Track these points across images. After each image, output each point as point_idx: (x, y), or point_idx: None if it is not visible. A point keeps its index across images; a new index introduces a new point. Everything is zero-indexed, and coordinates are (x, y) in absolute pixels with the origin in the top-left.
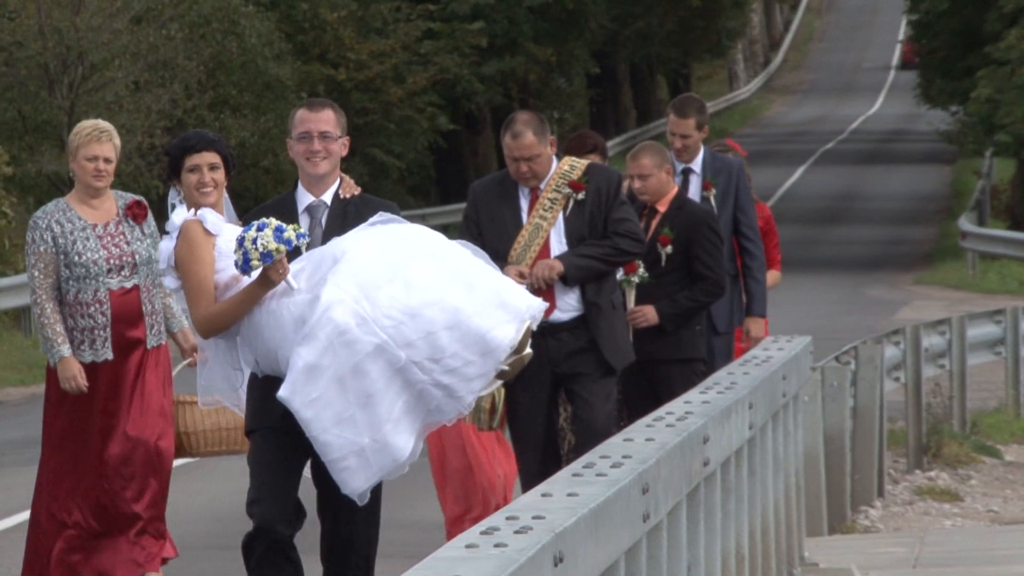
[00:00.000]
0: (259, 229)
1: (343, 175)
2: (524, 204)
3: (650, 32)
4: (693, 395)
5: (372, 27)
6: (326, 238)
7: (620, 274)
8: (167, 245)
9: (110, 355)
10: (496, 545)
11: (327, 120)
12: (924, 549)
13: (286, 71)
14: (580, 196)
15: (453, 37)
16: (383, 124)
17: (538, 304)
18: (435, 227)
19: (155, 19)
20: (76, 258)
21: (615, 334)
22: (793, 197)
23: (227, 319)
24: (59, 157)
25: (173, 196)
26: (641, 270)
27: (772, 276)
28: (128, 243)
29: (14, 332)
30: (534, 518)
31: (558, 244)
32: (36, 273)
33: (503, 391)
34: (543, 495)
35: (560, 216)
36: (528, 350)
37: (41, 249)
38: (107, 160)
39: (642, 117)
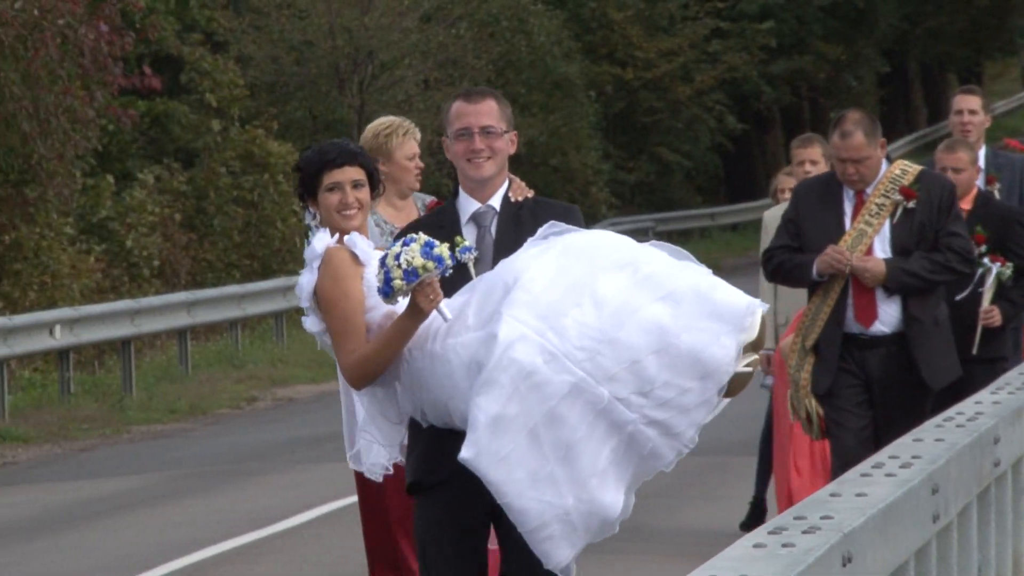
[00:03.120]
0: (405, 244)
1: (512, 176)
2: (848, 208)
3: (940, 31)
4: (984, 395)
5: (659, 26)
6: (498, 249)
7: (991, 267)
8: (308, 279)
9: None
10: (784, 545)
11: (489, 112)
12: None
13: (574, 70)
14: (911, 204)
15: (742, 36)
16: (670, 123)
17: (759, 304)
18: (724, 227)
19: (444, 18)
20: None
21: (936, 352)
22: None
23: (377, 363)
24: None
25: (309, 219)
26: (1008, 267)
27: None
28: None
29: (304, 331)
30: (822, 518)
31: (881, 253)
32: None
33: (814, 401)
34: (832, 495)
35: (887, 223)
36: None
37: None
38: (418, 156)
39: (933, 116)
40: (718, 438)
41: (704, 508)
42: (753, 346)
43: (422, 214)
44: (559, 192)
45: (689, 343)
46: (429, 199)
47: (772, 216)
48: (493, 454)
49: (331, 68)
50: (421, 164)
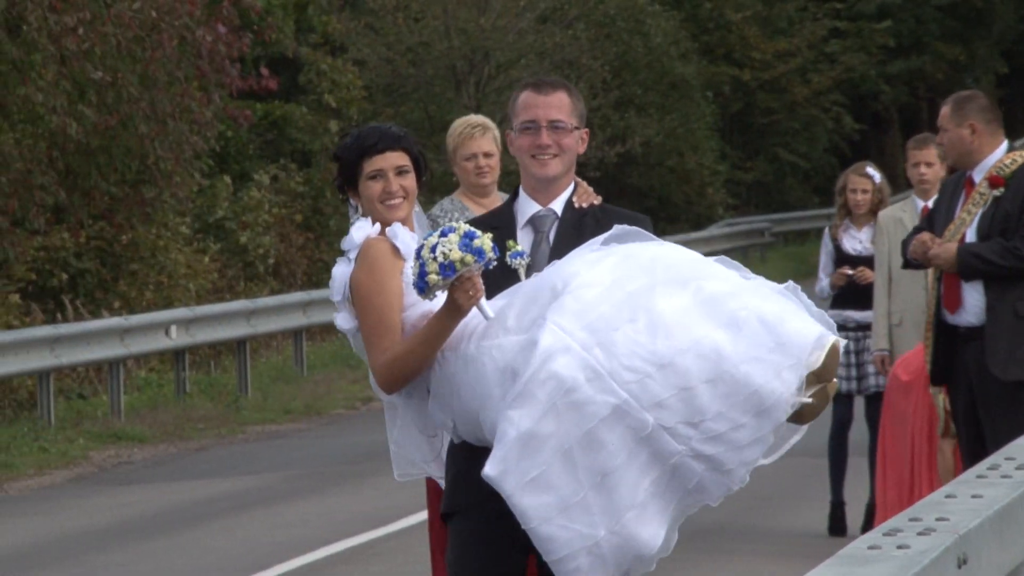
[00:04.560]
0: (442, 235)
1: (579, 179)
2: (962, 197)
3: None
4: None
5: (777, 26)
6: (554, 258)
7: None
8: (342, 270)
9: None
10: (899, 547)
11: (560, 105)
12: None
13: (691, 70)
14: (997, 192)
15: (860, 36)
16: (788, 124)
17: (832, 334)
18: None
19: (560, 18)
20: None
21: (1010, 344)
22: None
23: (410, 364)
24: None
25: (352, 213)
26: None
27: None
28: None
29: None
30: (938, 519)
31: (972, 240)
32: None
33: (942, 396)
34: (947, 496)
35: (979, 212)
36: (834, 381)
37: None
38: (487, 155)
39: None
40: (820, 442)
41: (803, 510)
42: (817, 376)
43: None
44: (675, 192)
45: (747, 374)
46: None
47: (887, 216)
48: (521, 474)
49: (447, 69)
50: (484, 164)
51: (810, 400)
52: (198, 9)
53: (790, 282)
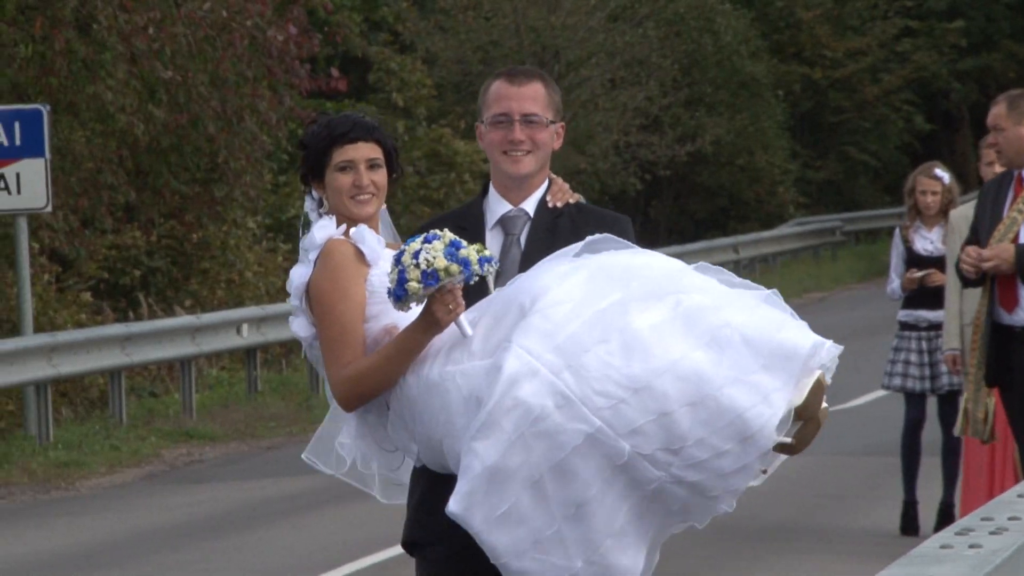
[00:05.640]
0: (426, 241)
1: (554, 177)
2: (1009, 197)
3: None
4: None
5: (848, 25)
6: (526, 263)
7: None
8: (301, 272)
9: None
10: (971, 546)
11: (534, 97)
12: None
13: (761, 69)
14: None
15: (931, 35)
16: (858, 123)
17: (827, 350)
18: None
19: (630, 17)
20: None
21: None
22: None
23: (374, 382)
24: None
25: (310, 206)
26: None
27: None
28: None
29: None
30: (1010, 519)
31: None
32: None
33: (992, 400)
34: (1019, 495)
35: None
36: (824, 406)
37: None
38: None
39: None
40: (893, 441)
41: (875, 509)
42: (799, 413)
43: None
44: (746, 191)
45: (731, 397)
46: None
47: (958, 215)
48: (489, 509)
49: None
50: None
51: (789, 440)
52: (269, 10)
53: (774, 290)
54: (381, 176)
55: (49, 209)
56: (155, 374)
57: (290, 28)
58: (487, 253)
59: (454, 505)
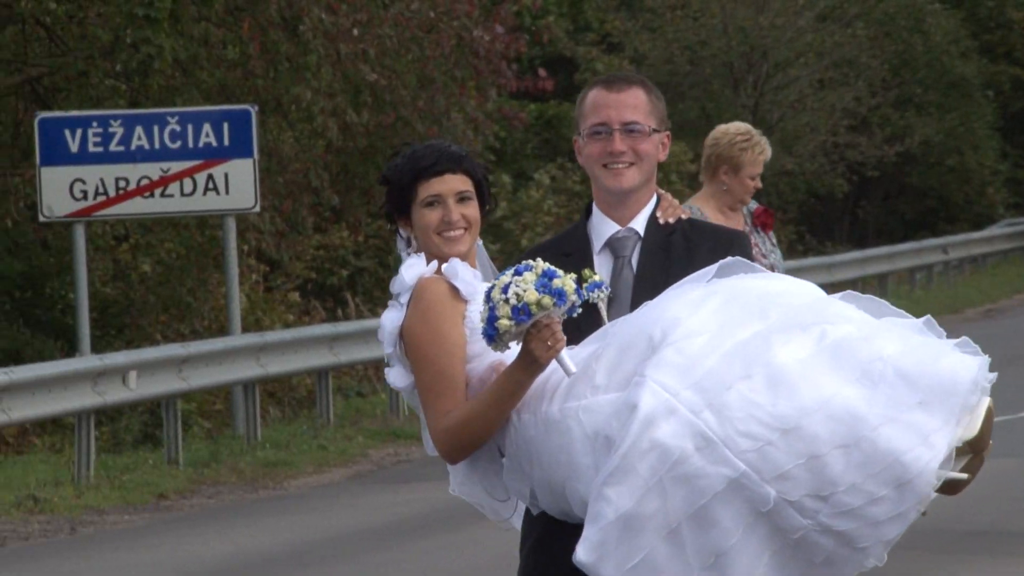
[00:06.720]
0: (517, 273)
1: (662, 191)
2: None
3: None
4: None
5: None
6: (639, 287)
7: None
8: (392, 317)
9: None
10: None
11: (636, 104)
12: None
13: (971, 69)
14: None
15: None
16: None
17: (984, 371)
18: None
19: (839, 17)
20: None
21: None
22: None
23: (477, 430)
24: None
25: (400, 246)
26: None
27: None
28: (764, 255)
29: None
30: None
31: None
32: None
33: None
34: None
35: None
36: (990, 443)
37: None
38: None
39: None
40: None
41: None
42: (971, 445)
43: (747, 225)
44: (955, 192)
45: (888, 439)
46: (755, 205)
47: None
48: (621, 559)
49: (725, 67)
50: (759, 184)
51: (964, 477)
52: (476, 10)
53: (927, 316)
54: (472, 209)
55: (257, 209)
56: (362, 374)
57: (497, 28)
58: (597, 278)
59: (583, 555)
